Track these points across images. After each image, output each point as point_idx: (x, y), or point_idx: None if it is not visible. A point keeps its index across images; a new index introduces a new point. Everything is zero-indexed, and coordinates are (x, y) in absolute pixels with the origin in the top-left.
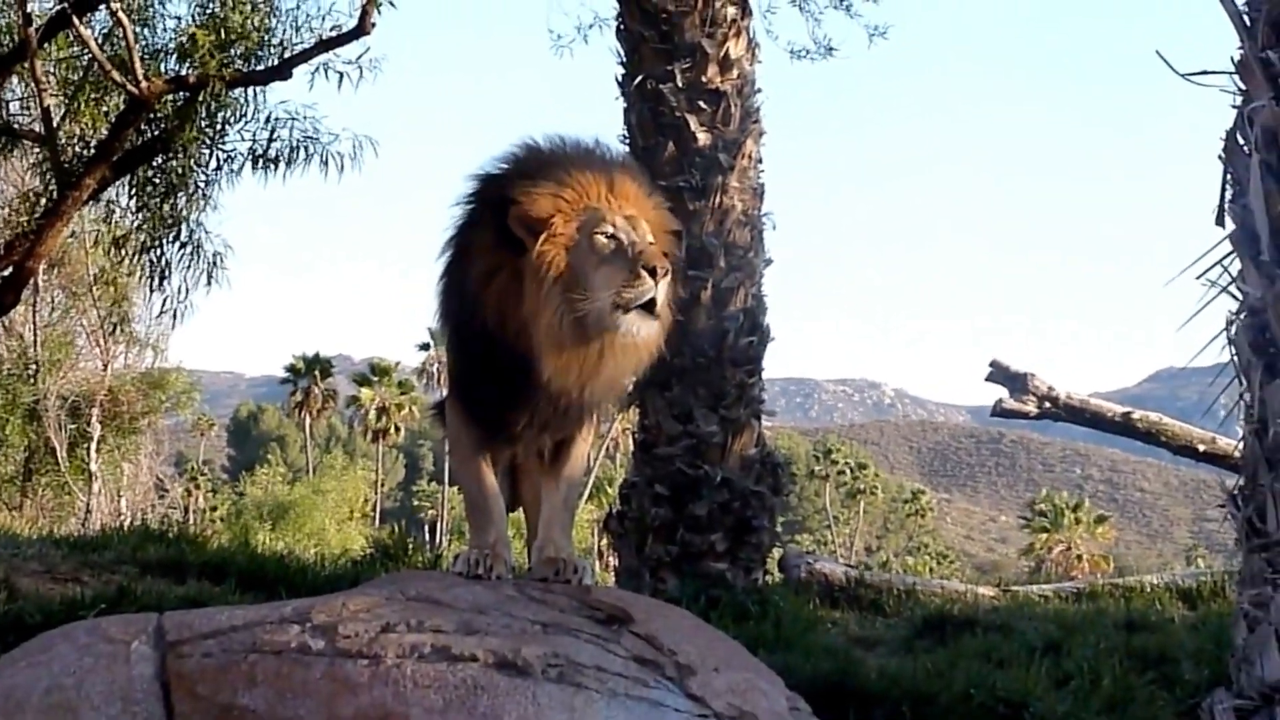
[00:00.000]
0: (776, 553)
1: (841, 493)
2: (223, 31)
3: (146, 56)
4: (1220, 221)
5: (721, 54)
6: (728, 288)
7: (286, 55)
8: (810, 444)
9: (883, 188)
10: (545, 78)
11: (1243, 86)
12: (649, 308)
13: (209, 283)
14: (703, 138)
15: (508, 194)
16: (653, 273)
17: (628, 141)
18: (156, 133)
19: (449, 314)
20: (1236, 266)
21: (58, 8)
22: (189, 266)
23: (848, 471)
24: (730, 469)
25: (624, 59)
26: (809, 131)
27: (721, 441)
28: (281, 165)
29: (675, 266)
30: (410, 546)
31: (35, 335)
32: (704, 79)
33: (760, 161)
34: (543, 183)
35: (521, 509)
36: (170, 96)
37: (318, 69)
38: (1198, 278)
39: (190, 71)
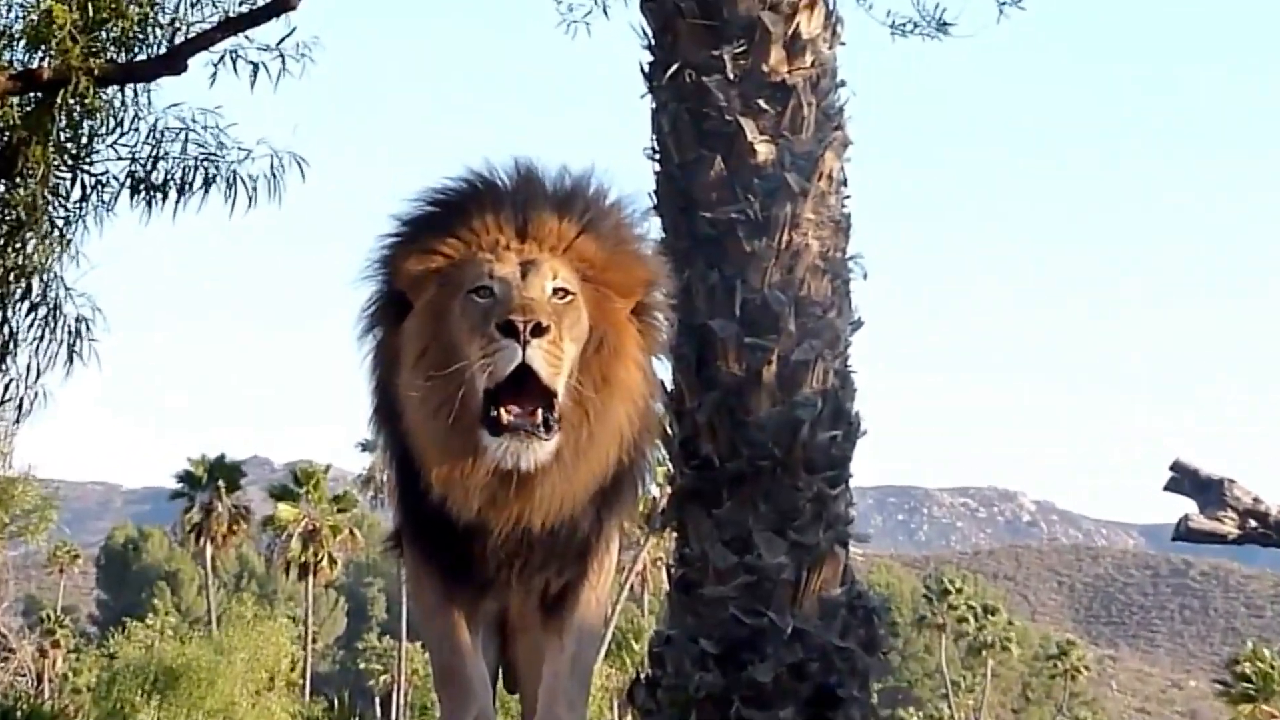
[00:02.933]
0: None
1: (963, 647)
2: (90, 8)
3: None
4: None
5: (789, 32)
6: (800, 361)
7: (179, 40)
8: (919, 579)
9: (1017, 220)
10: (553, 64)
11: None
12: (521, 387)
13: (70, 360)
14: (763, 151)
15: (392, 252)
16: (508, 328)
17: (657, 156)
18: None
19: (377, 415)
20: None
21: None
22: (41, 337)
23: (971, 618)
24: (805, 616)
25: (651, 40)
26: (913, 142)
27: (793, 578)
28: (171, 194)
29: (586, 321)
30: None
31: None
32: (764, 68)
33: (845, 184)
34: (428, 233)
35: (514, 678)
36: (15, 99)
37: (223, 59)
38: None
39: (44, 63)
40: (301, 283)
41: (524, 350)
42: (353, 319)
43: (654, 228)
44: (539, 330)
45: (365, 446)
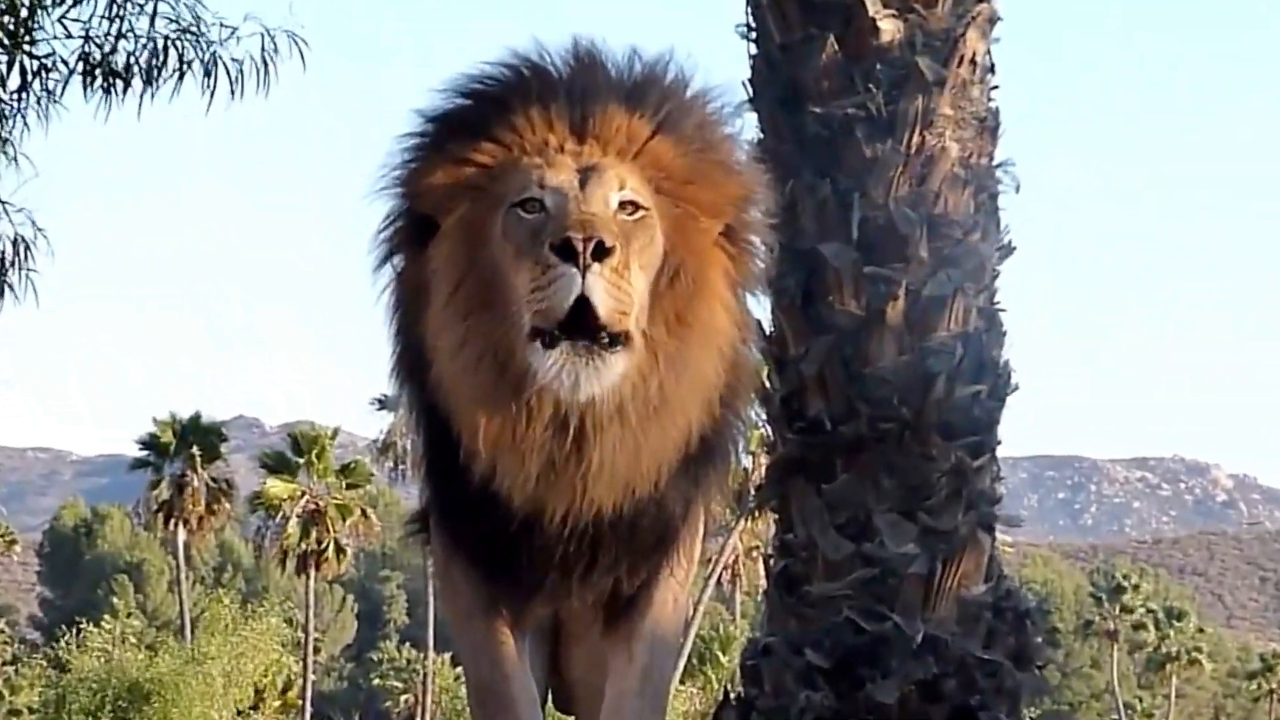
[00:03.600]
0: None
1: (1140, 660)
2: None
3: None
4: None
5: None
6: (934, 297)
7: None
8: (1084, 574)
9: (1219, 119)
10: None
11: None
12: (581, 325)
13: (2, 293)
14: (888, 29)
15: (414, 160)
16: (564, 250)
17: (754, 36)
18: None
19: (399, 366)
20: None
21: None
22: None
23: (1150, 624)
24: (939, 621)
25: None
26: (1081, 16)
27: (924, 571)
28: (136, 81)
29: (665, 242)
30: None
31: None
32: None
33: (991, 71)
34: (459, 135)
35: (568, 698)
36: None
37: None
38: None
39: None
40: (301, 199)
41: (584, 277)
42: (366, 246)
43: (748, 127)
44: (603, 251)
45: (383, 404)
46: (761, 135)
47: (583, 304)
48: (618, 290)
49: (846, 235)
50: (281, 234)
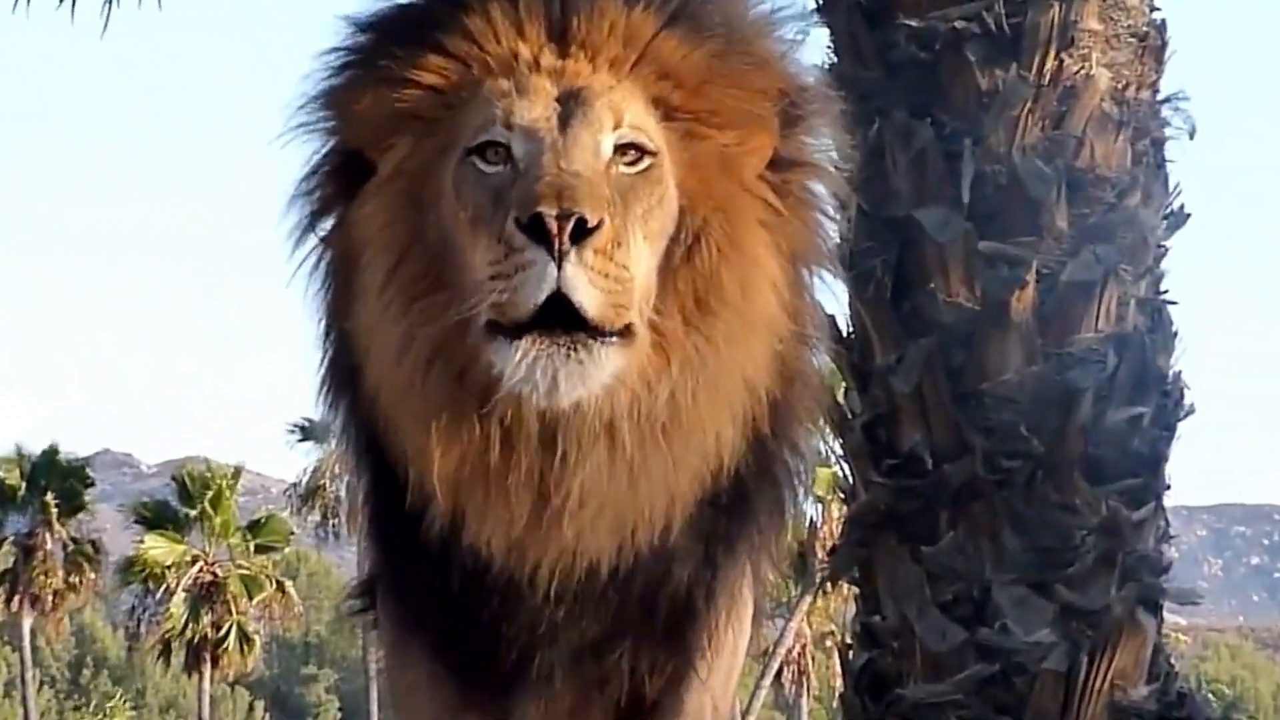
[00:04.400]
0: None
1: None
2: None
3: None
4: None
5: None
6: (1076, 284)
7: None
8: None
9: None
10: None
11: None
12: (559, 320)
13: None
14: None
15: (339, 83)
16: (534, 229)
17: None
18: None
19: (329, 376)
20: None
21: None
22: None
23: None
24: None
25: None
26: None
27: (1064, 666)
28: None
29: (668, 208)
30: None
31: None
32: None
33: None
34: (397, 48)
35: None
36: None
37: None
38: None
39: None
40: (190, 155)
41: (560, 267)
42: (279, 208)
43: (814, 45)
44: (586, 232)
45: (305, 433)
46: (834, 58)
47: (559, 300)
48: (607, 279)
49: (954, 198)
50: (166, 191)
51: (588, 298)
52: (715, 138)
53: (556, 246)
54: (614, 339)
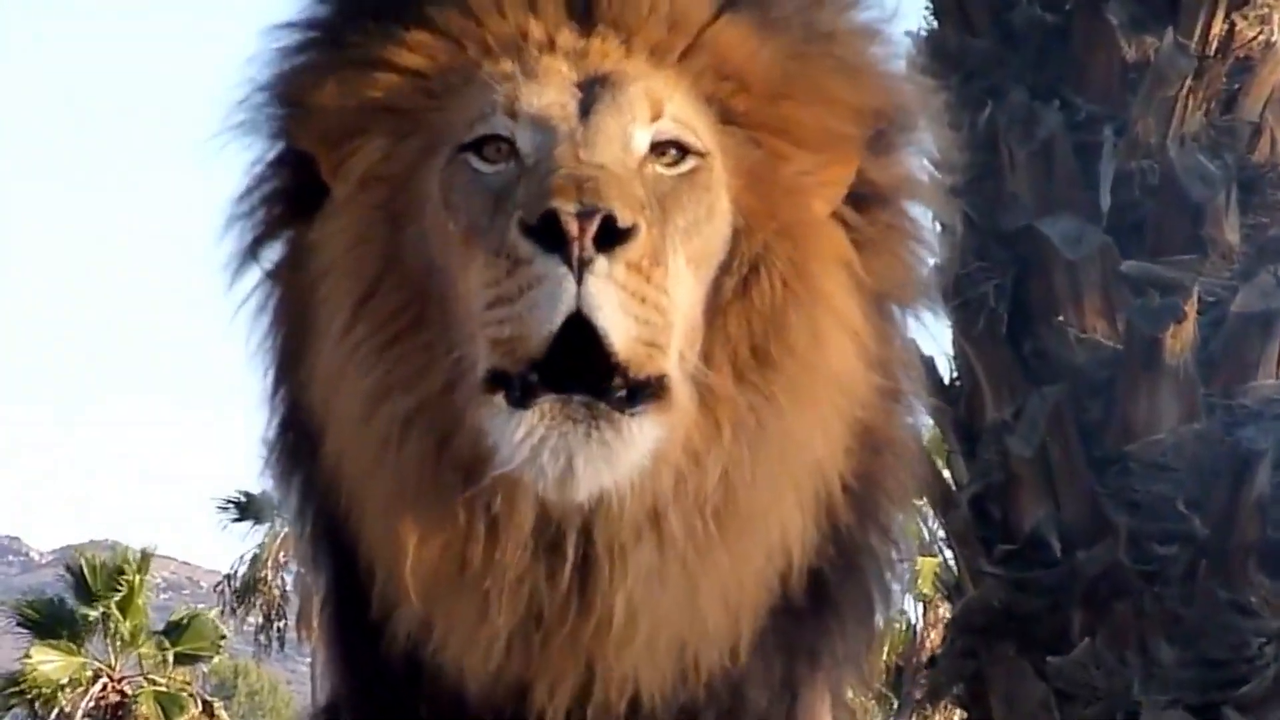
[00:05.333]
0: None
1: None
2: None
3: None
4: None
5: None
6: (1250, 315)
7: None
8: None
9: None
10: None
11: None
12: (577, 367)
13: None
14: None
15: (291, 67)
16: (547, 232)
17: None
18: None
19: (279, 445)
20: None
21: None
22: None
23: None
24: None
25: None
26: None
27: None
28: None
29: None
30: None
31: None
32: None
33: None
34: (366, 25)
35: None
36: None
37: None
38: None
39: None
40: (88, 167)
41: (581, 281)
42: (213, 232)
43: (908, 7)
44: (616, 235)
45: (243, 510)
46: (933, 22)
47: (579, 329)
48: (643, 305)
49: (1089, 204)
50: (66, 208)
51: (616, 325)
52: (786, 161)
53: (576, 253)
54: (649, 408)
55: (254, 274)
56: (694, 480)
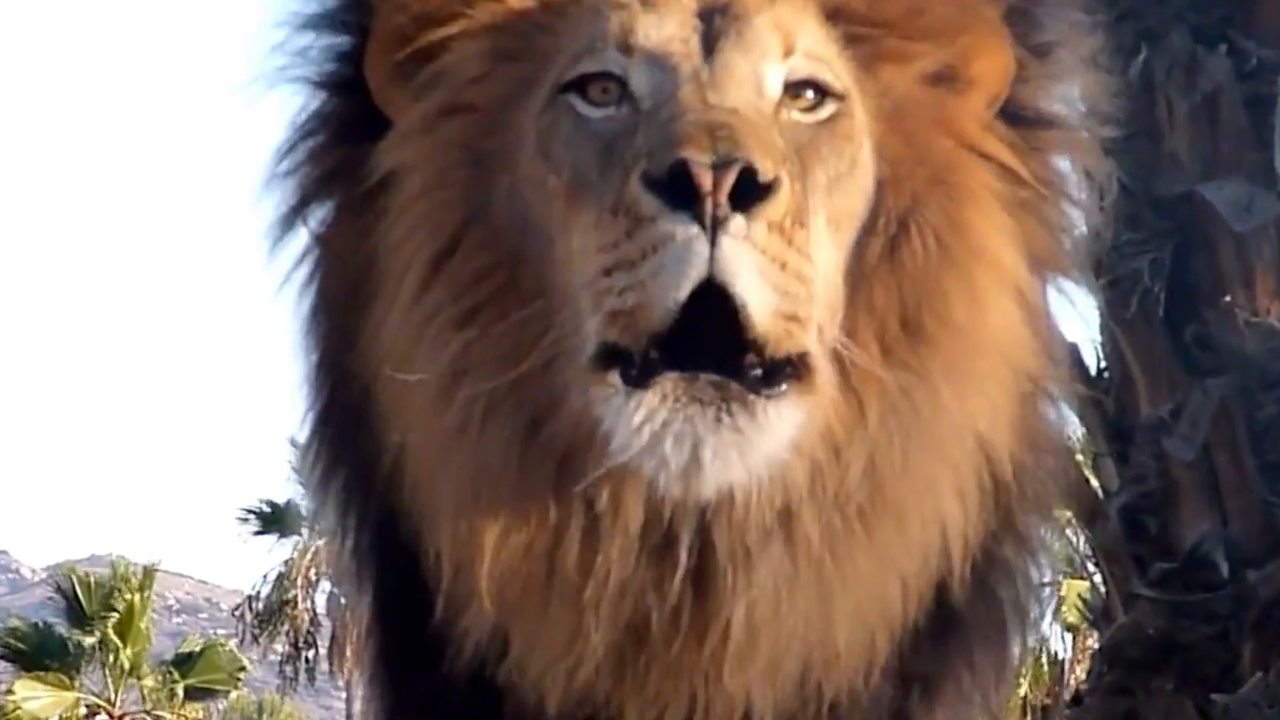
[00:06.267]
0: None
1: None
2: None
3: None
4: None
5: None
6: None
7: None
8: None
9: None
10: None
11: None
12: (706, 343)
13: None
14: None
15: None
16: (676, 187)
17: None
18: None
19: (322, 437)
20: None
21: None
22: None
23: None
24: None
25: None
26: None
27: None
28: None
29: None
30: None
31: None
32: None
33: None
34: None
35: None
36: None
37: None
38: None
39: None
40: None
41: (714, 243)
42: (248, 193)
43: None
44: (756, 192)
45: (268, 521)
46: None
47: (711, 300)
48: (784, 273)
49: (1263, 165)
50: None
51: (756, 295)
52: (919, 59)
53: (710, 210)
54: (787, 390)
55: (300, 239)
56: (834, 473)
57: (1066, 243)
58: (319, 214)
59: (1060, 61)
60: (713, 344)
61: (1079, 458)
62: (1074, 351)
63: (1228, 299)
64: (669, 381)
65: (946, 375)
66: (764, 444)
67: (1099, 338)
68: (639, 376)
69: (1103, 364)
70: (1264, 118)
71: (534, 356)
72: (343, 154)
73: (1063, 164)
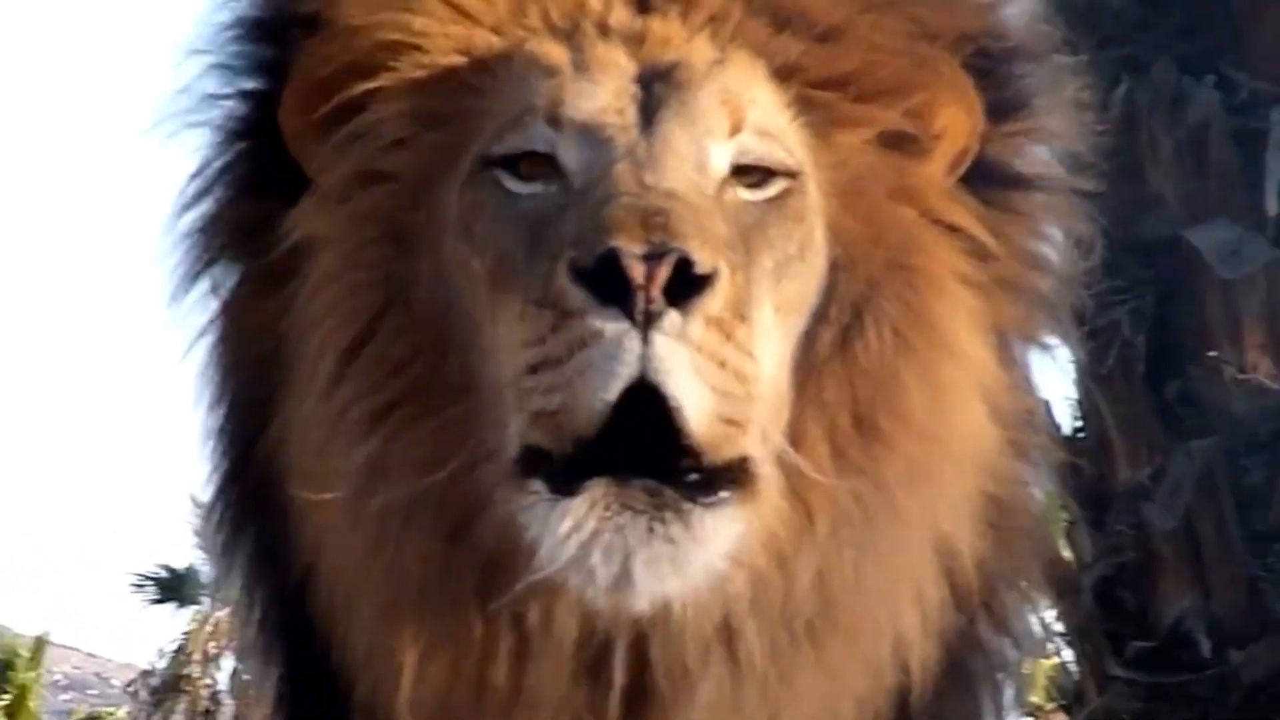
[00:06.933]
0: None
1: None
2: None
3: None
4: None
5: None
6: None
7: None
8: None
9: None
10: None
11: None
12: (638, 448)
13: None
14: None
15: (261, 44)
16: (605, 281)
17: None
18: None
19: (228, 516)
20: None
21: None
22: None
23: None
24: None
25: None
26: None
27: None
28: None
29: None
30: None
31: None
32: None
33: None
34: None
35: None
36: None
37: None
38: None
39: None
40: None
41: (647, 341)
42: (154, 244)
43: None
44: (689, 284)
45: (166, 589)
46: None
47: (645, 400)
48: (722, 369)
49: (1253, 208)
50: None
51: (692, 397)
52: (876, 121)
53: (642, 305)
54: (728, 497)
55: (204, 306)
56: (779, 585)
57: (1045, 313)
58: (226, 276)
59: (1034, 115)
60: (646, 447)
61: (1050, 527)
62: (1046, 409)
63: (1214, 354)
64: (599, 488)
65: (904, 481)
66: (700, 556)
67: (1074, 394)
68: (566, 482)
69: (1078, 423)
70: (1254, 155)
71: (456, 460)
72: (251, 209)
73: (1041, 230)
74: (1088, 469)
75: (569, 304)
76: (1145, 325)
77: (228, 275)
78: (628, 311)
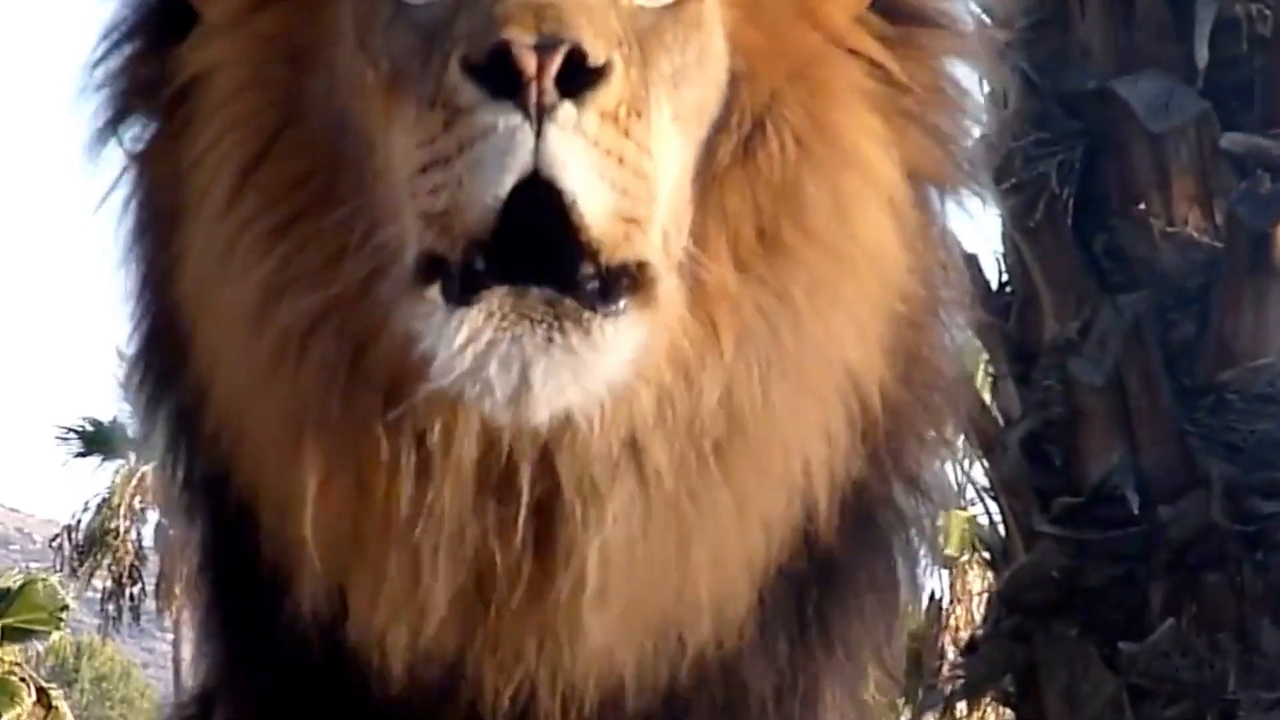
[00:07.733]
0: None
1: None
2: None
3: None
4: None
5: None
6: None
7: None
8: None
9: None
10: None
11: None
12: (534, 248)
13: None
14: None
15: None
16: (495, 72)
17: None
18: None
19: (146, 361)
20: None
21: None
22: None
23: None
24: None
25: None
26: None
27: None
28: None
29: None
30: None
31: None
32: None
33: None
34: None
35: None
36: None
37: None
38: None
39: None
40: None
41: (540, 134)
42: (70, 92)
43: None
44: (586, 77)
45: (90, 442)
46: None
47: (540, 200)
48: (619, 165)
49: (1182, 59)
50: None
51: (588, 191)
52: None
53: (534, 97)
54: (626, 304)
55: (116, 157)
56: (685, 401)
57: (958, 154)
58: (136, 129)
59: None
60: (544, 252)
61: (976, 381)
62: (972, 265)
63: (1142, 207)
64: (495, 297)
65: (809, 294)
66: (601, 365)
67: (1000, 248)
68: (462, 291)
69: (1004, 278)
70: (1184, 6)
71: (351, 269)
72: (159, 60)
73: (951, 68)
74: (1014, 324)
75: (460, 100)
76: (1073, 178)
77: (139, 127)
78: (520, 104)
